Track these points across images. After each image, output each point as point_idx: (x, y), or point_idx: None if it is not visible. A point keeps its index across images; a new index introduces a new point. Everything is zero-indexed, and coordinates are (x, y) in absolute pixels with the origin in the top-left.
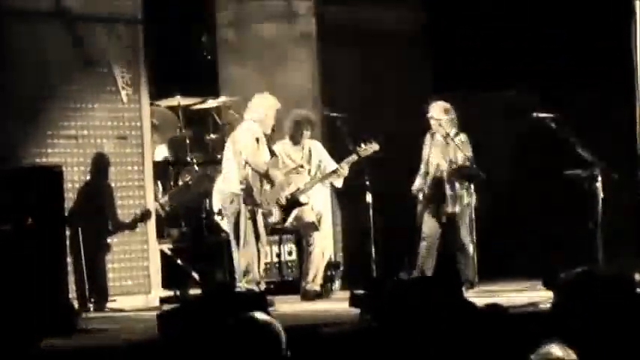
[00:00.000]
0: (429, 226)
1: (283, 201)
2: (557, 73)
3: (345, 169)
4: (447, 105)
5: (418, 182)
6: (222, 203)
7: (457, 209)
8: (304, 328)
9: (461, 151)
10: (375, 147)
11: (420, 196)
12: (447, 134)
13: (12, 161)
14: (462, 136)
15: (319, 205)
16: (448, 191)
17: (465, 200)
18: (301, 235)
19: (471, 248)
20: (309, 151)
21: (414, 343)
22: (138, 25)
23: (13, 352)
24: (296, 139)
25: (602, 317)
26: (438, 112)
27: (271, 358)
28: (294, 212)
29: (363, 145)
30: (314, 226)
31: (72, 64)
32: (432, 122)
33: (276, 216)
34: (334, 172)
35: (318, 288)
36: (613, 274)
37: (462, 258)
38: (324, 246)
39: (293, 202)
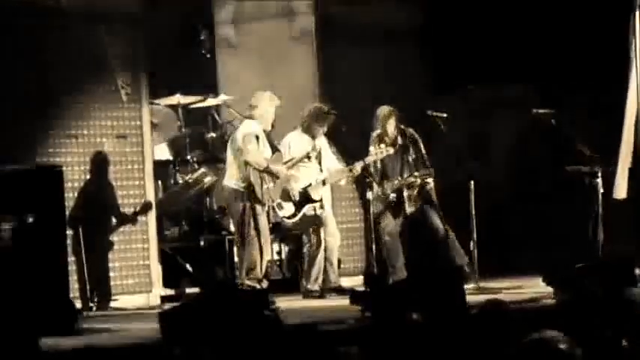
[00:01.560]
0: (390, 225)
1: (297, 196)
2: (558, 69)
3: (357, 169)
4: (387, 108)
5: (379, 189)
6: (225, 201)
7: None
8: (304, 325)
9: (414, 151)
10: (390, 150)
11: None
12: (395, 137)
13: (12, 161)
14: (409, 132)
15: (325, 204)
16: (406, 192)
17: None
18: (305, 233)
19: (450, 233)
20: (320, 147)
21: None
22: (137, 23)
23: (14, 352)
24: (311, 133)
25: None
26: (380, 117)
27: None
28: (305, 208)
29: (377, 147)
30: (320, 225)
31: (71, 64)
32: (378, 127)
33: (287, 210)
34: (349, 170)
35: (317, 288)
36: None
37: (447, 245)
38: (332, 243)
39: (305, 198)
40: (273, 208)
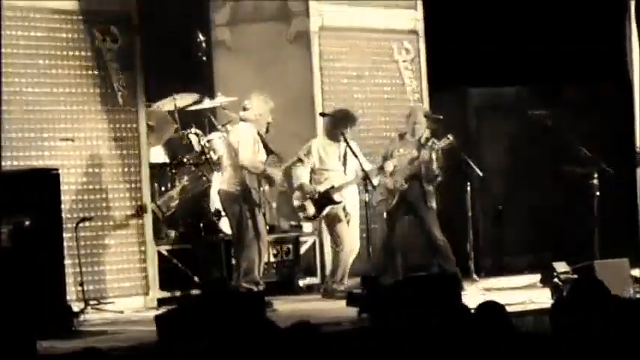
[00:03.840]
0: (399, 222)
1: (316, 196)
2: (555, 69)
3: (389, 166)
4: (418, 106)
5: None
6: (222, 204)
7: (434, 205)
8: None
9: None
10: (409, 155)
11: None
12: (421, 136)
13: (10, 164)
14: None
15: (349, 206)
16: (427, 188)
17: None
18: (330, 234)
19: (445, 244)
20: (345, 150)
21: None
22: (133, 25)
23: (11, 354)
24: (334, 136)
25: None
26: (409, 116)
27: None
28: (327, 209)
29: (397, 151)
30: (344, 226)
31: (67, 66)
32: (416, 126)
33: (308, 210)
34: (380, 168)
35: (343, 288)
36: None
37: (440, 255)
38: (353, 246)
39: (326, 199)
40: (270, 209)
